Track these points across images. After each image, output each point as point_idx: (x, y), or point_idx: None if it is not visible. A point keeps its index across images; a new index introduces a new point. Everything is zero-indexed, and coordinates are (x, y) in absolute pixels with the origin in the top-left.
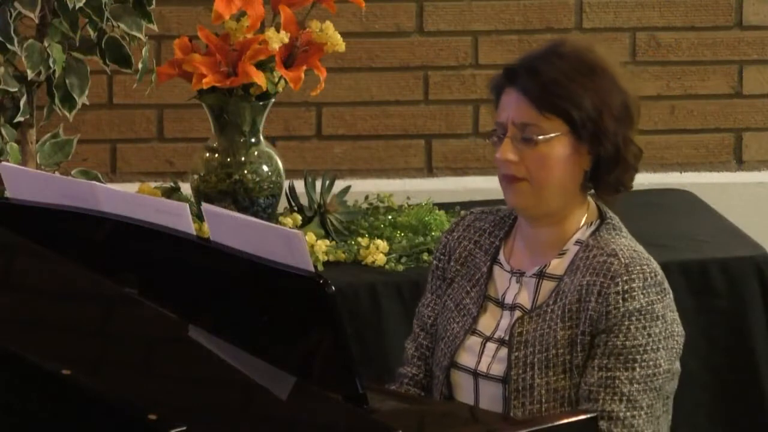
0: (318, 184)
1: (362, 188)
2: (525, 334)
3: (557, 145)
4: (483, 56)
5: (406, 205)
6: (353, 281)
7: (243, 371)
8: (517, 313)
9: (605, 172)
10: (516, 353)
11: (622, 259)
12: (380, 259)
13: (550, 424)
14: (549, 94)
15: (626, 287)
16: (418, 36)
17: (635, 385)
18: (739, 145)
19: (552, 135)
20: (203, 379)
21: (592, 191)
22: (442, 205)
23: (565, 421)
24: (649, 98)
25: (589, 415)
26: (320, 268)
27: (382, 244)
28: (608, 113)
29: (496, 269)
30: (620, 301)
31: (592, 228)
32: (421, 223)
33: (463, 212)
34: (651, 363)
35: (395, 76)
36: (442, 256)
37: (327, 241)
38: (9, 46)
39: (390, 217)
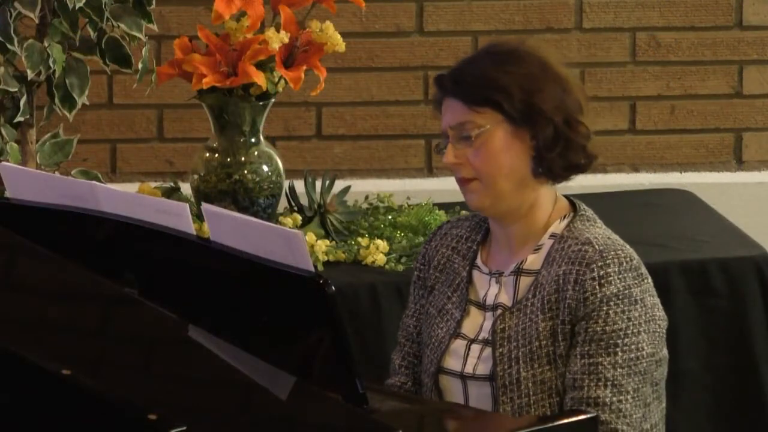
0: (318, 184)
1: (362, 188)
2: (507, 329)
3: (495, 136)
4: None
5: (406, 205)
6: (353, 281)
7: (243, 371)
8: (499, 312)
9: (547, 151)
10: (500, 349)
11: (597, 246)
12: (380, 259)
13: (550, 425)
14: (475, 89)
15: (602, 273)
16: (418, 36)
17: (619, 370)
18: (739, 145)
19: (487, 127)
20: (203, 379)
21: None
22: (442, 205)
23: (565, 421)
24: (649, 98)
25: (588, 415)
26: (320, 268)
27: (382, 244)
28: (540, 96)
29: (475, 273)
30: (597, 286)
31: (566, 221)
32: (421, 223)
33: (447, 218)
34: (633, 347)
35: (395, 76)
36: (422, 266)
37: (327, 241)
38: (9, 46)
39: (390, 217)
